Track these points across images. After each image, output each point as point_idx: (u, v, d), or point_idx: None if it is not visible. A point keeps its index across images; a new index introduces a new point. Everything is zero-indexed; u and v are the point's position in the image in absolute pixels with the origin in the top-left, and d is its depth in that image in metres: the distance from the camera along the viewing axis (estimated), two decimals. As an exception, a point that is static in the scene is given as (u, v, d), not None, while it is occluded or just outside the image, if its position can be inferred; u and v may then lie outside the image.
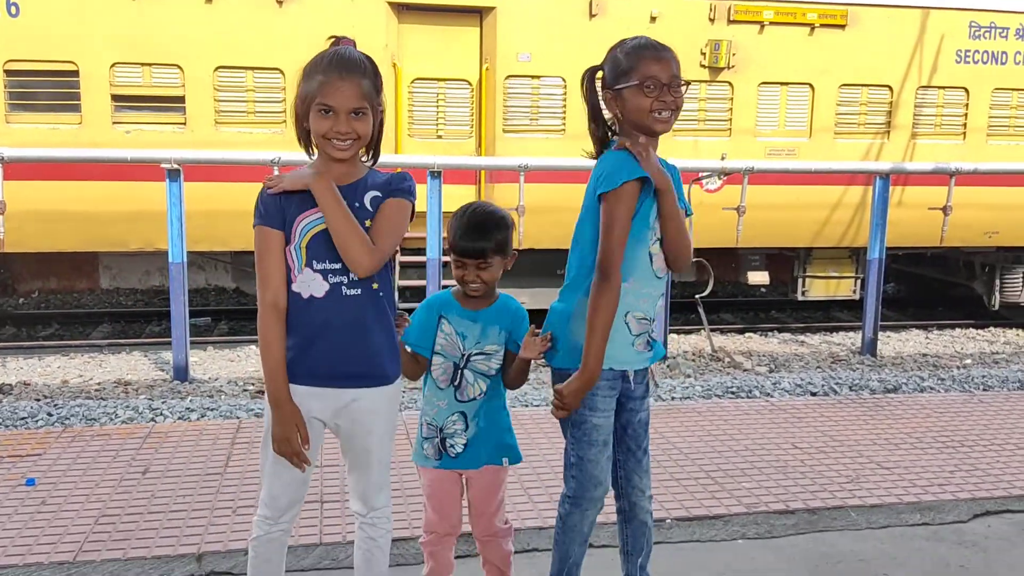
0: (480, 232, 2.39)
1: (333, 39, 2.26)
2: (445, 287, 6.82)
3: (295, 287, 2.20)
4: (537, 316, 2.43)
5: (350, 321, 2.22)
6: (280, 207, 2.18)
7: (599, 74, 2.46)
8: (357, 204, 2.20)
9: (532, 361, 2.45)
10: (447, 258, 2.55)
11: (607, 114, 2.46)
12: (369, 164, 2.31)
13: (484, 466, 2.52)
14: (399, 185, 2.26)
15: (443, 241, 2.50)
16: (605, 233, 2.29)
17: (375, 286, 2.24)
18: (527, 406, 5.15)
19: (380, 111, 2.24)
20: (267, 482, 2.32)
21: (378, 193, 2.23)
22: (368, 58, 2.22)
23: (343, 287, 2.20)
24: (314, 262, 2.18)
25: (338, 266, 2.18)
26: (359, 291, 2.21)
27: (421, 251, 6.86)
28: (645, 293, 2.41)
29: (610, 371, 2.40)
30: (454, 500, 2.57)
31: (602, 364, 2.32)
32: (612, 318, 2.30)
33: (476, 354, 2.46)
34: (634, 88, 2.33)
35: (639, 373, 2.49)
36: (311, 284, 2.19)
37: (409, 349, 2.50)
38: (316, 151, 2.25)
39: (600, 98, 2.46)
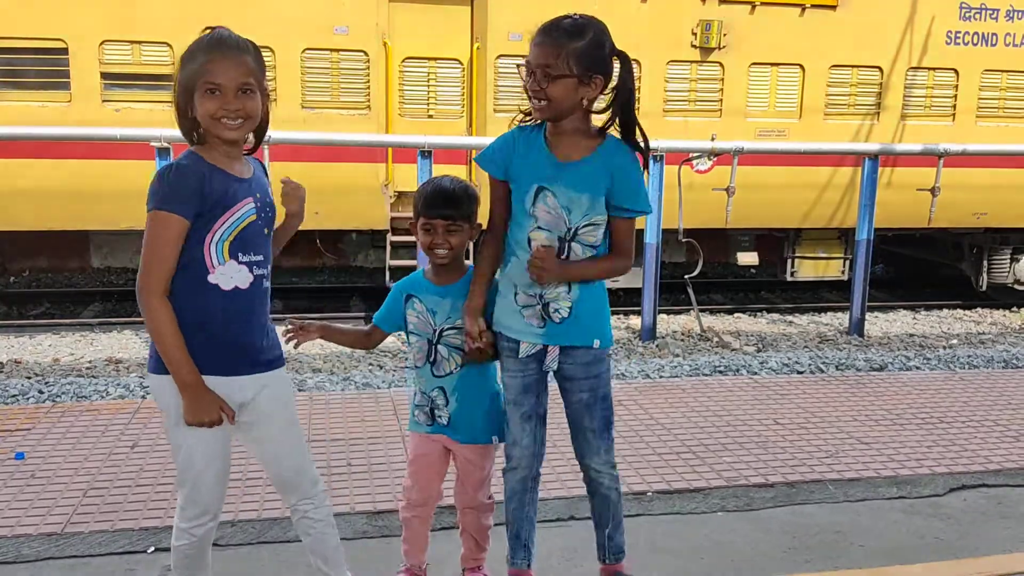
0: (450, 197, 2.44)
1: (208, 29, 2.22)
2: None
3: (212, 278, 2.14)
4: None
5: (265, 311, 2.28)
6: (194, 195, 2.08)
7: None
8: (268, 199, 2.26)
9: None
10: (411, 238, 2.61)
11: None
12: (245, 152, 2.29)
13: (471, 446, 2.56)
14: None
15: (414, 212, 2.53)
16: None
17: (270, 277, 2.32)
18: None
19: (265, 94, 2.21)
20: (191, 485, 2.26)
21: (269, 186, 2.31)
22: (246, 39, 2.19)
23: (264, 279, 2.25)
24: (239, 255, 2.18)
25: (260, 258, 2.22)
26: (268, 283, 2.28)
27: (411, 231, 6.88)
28: (527, 273, 2.40)
29: (501, 334, 2.50)
30: (434, 471, 2.61)
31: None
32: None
33: (448, 328, 2.50)
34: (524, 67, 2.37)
35: (538, 349, 2.47)
36: (235, 276, 2.17)
37: (371, 324, 2.61)
38: (201, 139, 2.18)
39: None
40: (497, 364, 2.59)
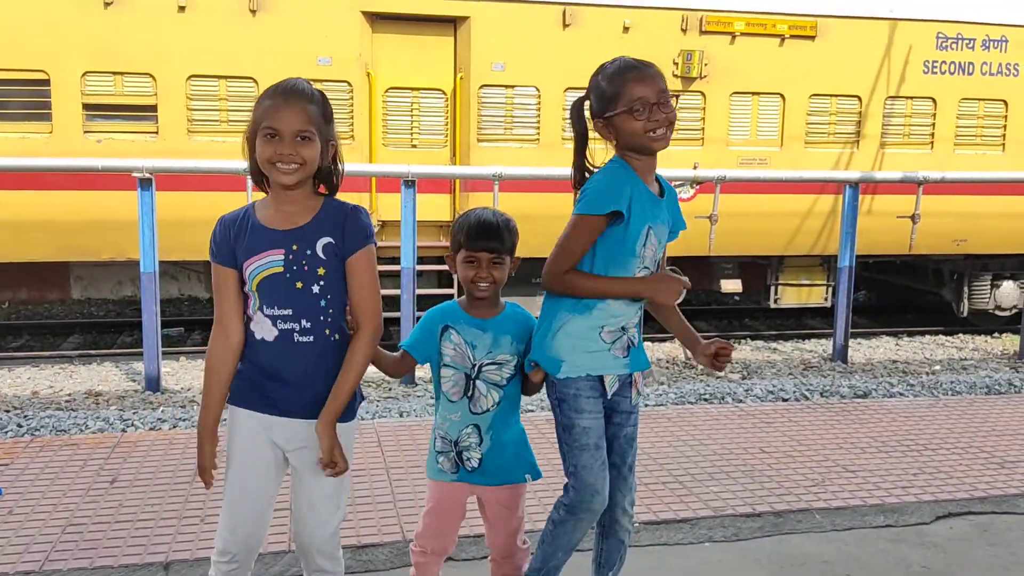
0: (493, 229, 2.39)
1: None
2: (420, 296, 6.84)
3: (252, 326, 2.22)
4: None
5: (301, 368, 2.20)
6: (230, 245, 2.21)
7: (586, 104, 2.45)
8: (309, 252, 2.18)
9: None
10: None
11: (600, 143, 2.45)
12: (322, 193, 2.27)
13: (505, 487, 2.46)
14: (359, 234, 2.21)
15: (453, 245, 2.48)
16: (556, 246, 2.36)
17: (327, 332, 2.21)
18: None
19: (332, 144, 2.22)
20: (227, 516, 2.27)
21: (331, 240, 2.19)
22: (317, 89, 2.21)
23: (295, 334, 2.19)
24: (264, 307, 2.18)
25: (288, 312, 2.17)
26: (312, 338, 2.20)
27: (395, 260, 6.87)
28: (622, 313, 2.40)
29: (587, 377, 2.40)
30: (455, 520, 2.52)
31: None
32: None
33: (488, 364, 2.41)
34: (624, 114, 2.33)
35: (621, 380, 2.46)
36: (261, 327, 2.20)
37: (401, 351, 2.49)
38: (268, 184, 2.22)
39: (591, 128, 2.45)
40: (522, 400, 2.53)
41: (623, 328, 2.42)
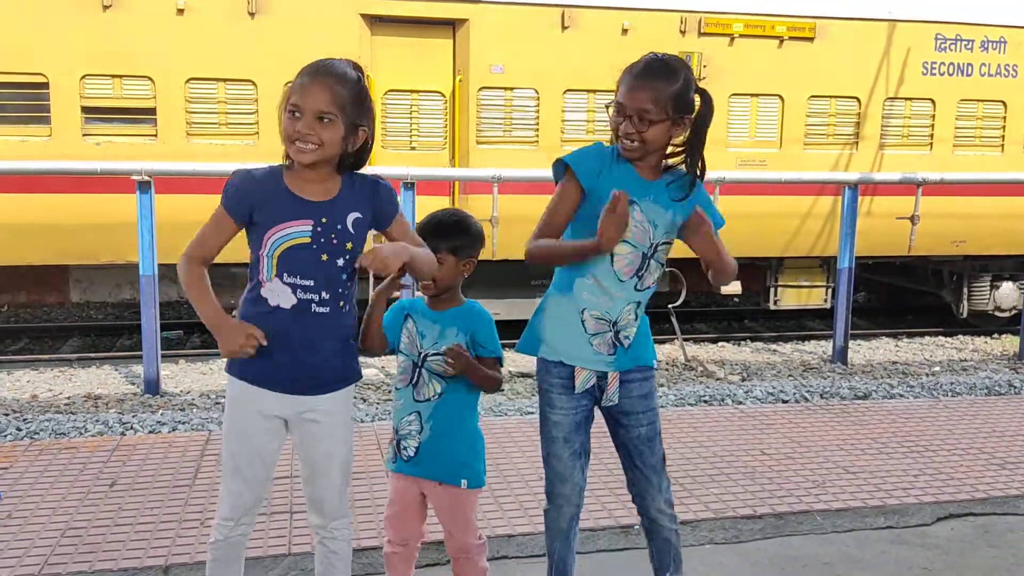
0: (438, 231, 2.43)
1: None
2: (418, 297, 6.82)
3: (263, 291, 2.21)
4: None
5: (313, 337, 2.23)
6: (249, 202, 2.18)
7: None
8: (339, 226, 2.20)
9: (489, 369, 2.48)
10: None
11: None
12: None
13: (440, 484, 2.48)
14: (390, 204, 2.30)
15: None
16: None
17: (342, 304, 2.25)
18: (500, 415, 5.16)
19: (363, 130, 2.23)
20: (227, 481, 2.32)
21: (359, 215, 2.23)
22: (356, 68, 2.22)
23: (313, 304, 2.20)
24: (285, 275, 2.18)
25: (309, 283, 2.19)
26: (328, 309, 2.22)
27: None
28: (603, 292, 2.41)
29: (560, 365, 2.44)
30: (410, 511, 2.54)
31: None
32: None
33: (433, 354, 2.46)
34: (613, 107, 2.38)
35: (601, 378, 2.46)
36: (280, 295, 2.19)
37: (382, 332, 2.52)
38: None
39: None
40: (479, 402, 2.55)
41: (612, 323, 2.42)
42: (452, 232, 2.44)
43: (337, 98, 2.14)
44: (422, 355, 2.47)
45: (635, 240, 2.40)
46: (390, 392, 6.55)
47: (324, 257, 2.19)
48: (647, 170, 2.43)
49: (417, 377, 2.47)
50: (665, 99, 2.31)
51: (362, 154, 2.28)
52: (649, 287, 2.47)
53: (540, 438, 2.53)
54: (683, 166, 2.46)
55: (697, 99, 2.40)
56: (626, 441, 2.51)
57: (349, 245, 2.22)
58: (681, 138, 2.43)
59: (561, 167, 2.42)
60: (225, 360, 2.29)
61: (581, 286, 2.42)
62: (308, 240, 2.17)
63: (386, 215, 2.29)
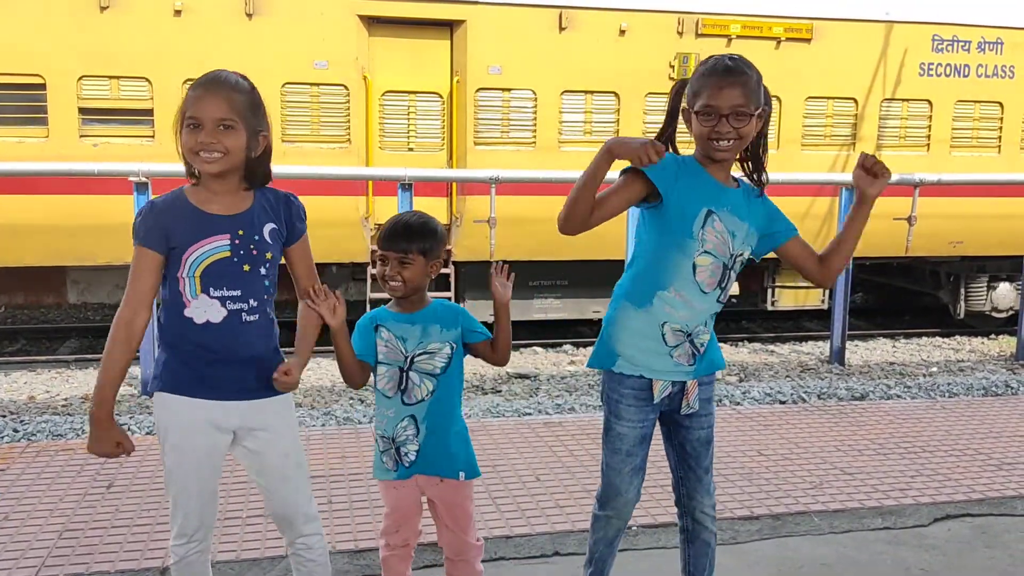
0: (407, 231, 2.43)
1: None
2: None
3: (187, 312, 2.20)
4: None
5: (246, 345, 2.25)
6: (163, 232, 2.17)
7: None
8: (257, 237, 2.23)
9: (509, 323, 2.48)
10: (375, 270, 2.57)
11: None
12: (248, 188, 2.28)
13: (443, 479, 2.48)
14: (300, 219, 2.33)
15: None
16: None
17: (268, 311, 2.29)
18: (497, 417, 5.17)
19: (263, 135, 2.24)
20: (176, 503, 2.30)
21: (275, 226, 2.27)
22: (244, 78, 2.23)
23: (243, 313, 2.23)
24: (211, 289, 2.20)
25: (237, 293, 2.21)
26: (257, 317, 2.25)
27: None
28: (686, 305, 2.37)
29: (639, 378, 2.40)
30: (412, 512, 2.54)
31: None
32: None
33: (419, 354, 2.45)
34: (696, 115, 2.33)
35: (676, 386, 2.43)
36: (207, 310, 2.20)
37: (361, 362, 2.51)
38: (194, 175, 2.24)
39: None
40: (462, 392, 2.55)
41: (688, 334, 2.39)
42: (421, 234, 2.43)
43: (235, 105, 2.16)
44: (408, 358, 2.46)
45: (715, 251, 2.36)
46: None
47: (247, 268, 2.22)
48: (723, 176, 2.40)
49: (406, 382, 2.46)
50: (753, 92, 2.29)
51: (266, 162, 2.29)
52: (726, 297, 2.45)
53: (603, 447, 2.49)
54: (743, 176, 2.43)
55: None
56: (685, 443, 2.50)
57: (269, 255, 2.25)
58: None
59: (637, 173, 2.31)
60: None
61: (662, 299, 2.37)
62: (228, 254, 2.20)
63: (295, 231, 2.33)
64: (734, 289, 10.03)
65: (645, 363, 2.40)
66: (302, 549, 2.38)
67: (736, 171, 2.47)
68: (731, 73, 2.29)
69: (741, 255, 2.41)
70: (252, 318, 2.25)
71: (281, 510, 2.36)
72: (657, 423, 2.51)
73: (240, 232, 2.22)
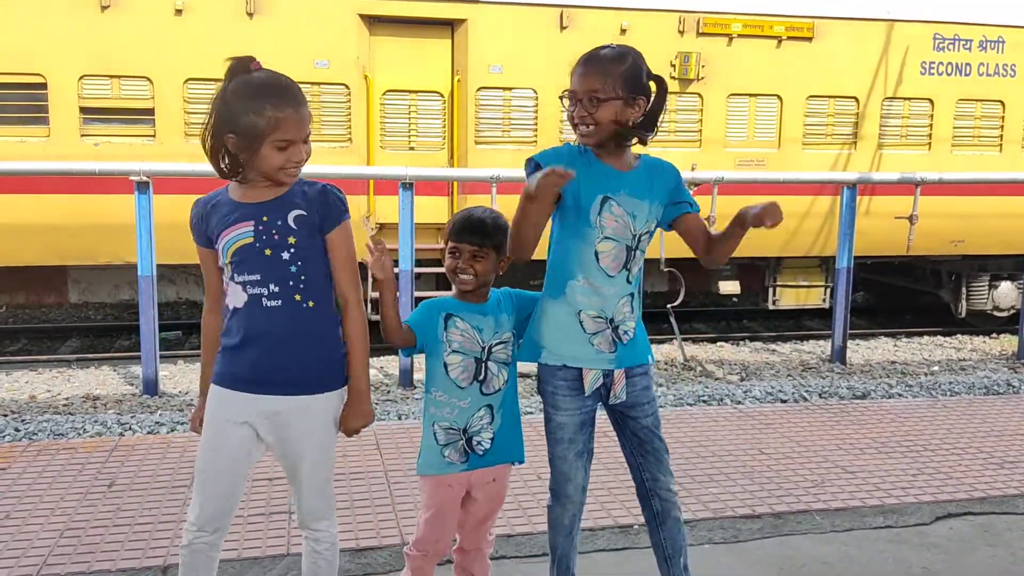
0: (481, 226, 2.44)
1: (236, 60, 2.23)
2: (418, 299, 6.82)
3: (227, 300, 2.29)
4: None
5: (271, 332, 2.23)
6: (204, 226, 2.29)
7: None
8: (280, 222, 2.22)
9: None
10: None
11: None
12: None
13: (511, 465, 2.54)
14: (336, 207, 2.28)
15: (443, 240, 2.53)
16: None
17: (298, 298, 2.24)
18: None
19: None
20: (196, 489, 2.33)
21: (303, 212, 2.23)
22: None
23: (263, 298, 2.23)
24: (235, 275, 2.23)
25: (256, 277, 2.22)
26: (280, 302, 2.23)
27: (394, 263, 6.85)
28: (595, 292, 2.43)
29: (563, 368, 2.46)
30: (454, 515, 2.52)
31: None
32: None
33: (496, 344, 2.47)
34: (567, 97, 2.42)
35: (608, 377, 2.47)
36: (234, 296, 2.25)
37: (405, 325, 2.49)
38: (238, 175, 2.25)
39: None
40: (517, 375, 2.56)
41: (609, 320, 2.45)
42: (495, 229, 2.45)
43: (310, 117, 2.25)
44: (486, 348, 2.46)
45: (616, 235, 2.42)
46: (388, 392, 6.56)
47: (268, 252, 2.21)
48: (617, 162, 2.46)
49: (484, 372, 2.46)
50: (613, 79, 2.36)
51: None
52: (636, 277, 2.50)
53: (546, 439, 2.54)
54: (639, 146, 2.50)
55: (653, 87, 2.46)
56: (636, 431, 2.55)
57: (292, 239, 2.22)
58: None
59: (532, 166, 2.41)
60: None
61: (573, 288, 2.44)
62: (251, 240, 2.22)
63: (331, 219, 2.27)
64: (735, 288, 10.04)
65: (568, 353, 2.46)
66: (311, 540, 2.41)
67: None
68: (590, 61, 2.40)
69: (646, 232, 2.47)
70: (274, 303, 2.22)
71: (302, 503, 2.38)
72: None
73: (264, 218, 2.22)
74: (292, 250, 2.22)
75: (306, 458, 2.32)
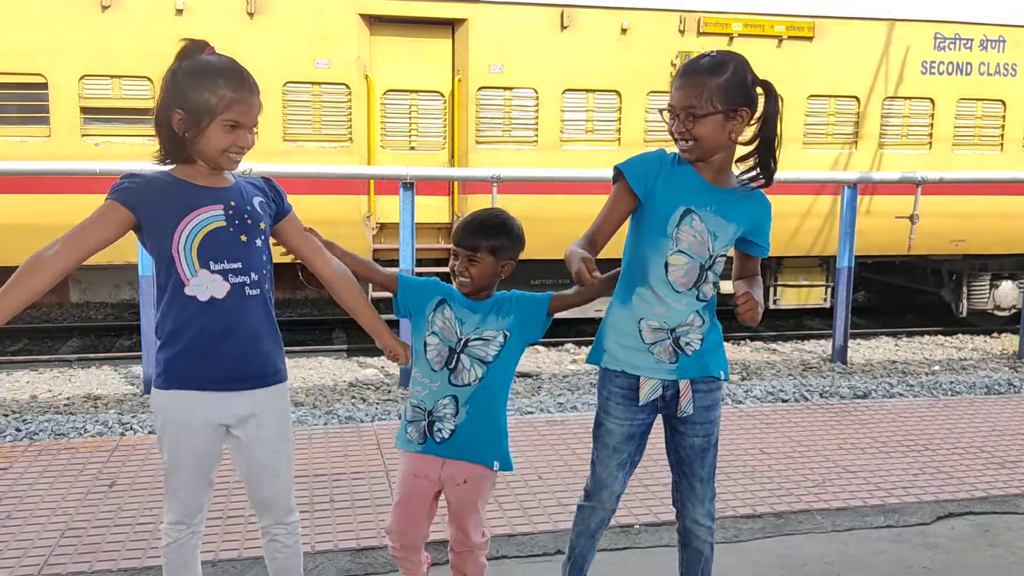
0: (480, 229, 2.42)
1: (190, 41, 2.21)
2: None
3: (188, 291, 2.14)
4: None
5: (253, 322, 2.21)
6: (147, 199, 2.12)
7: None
8: (248, 207, 2.22)
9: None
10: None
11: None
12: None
13: (473, 464, 2.43)
14: (283, 198, 2.37)
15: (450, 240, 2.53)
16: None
17: (267, 287, 2.26)
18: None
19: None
20: (173, 494, 2.29)
21: (262, 199, 2.28)
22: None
23: (246, 287, 2.19)
24: (211, 263, 2.14)
25: (238, 265, 2.17)
26: (258, 292, 2.22)
27: (394, 262, 6.86)
28: (661, 302, 2.34)
29: (625, 375, 2.39)
30: (423, 513, 2.49)
31: None
32: None
33: (474, 339, 2.43)
34: (667, 111, 2.33)
35: (671, 388, 2.39)
36: (210, 286, 2.14)
37: (395, 276, 2.52)
38: (182, 157, 2.19)
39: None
40: (510, 389, 2.53)
41: (671, 331, 2.36)
42: (493, 233, 2.41)
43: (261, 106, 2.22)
44: (461, 341, 2.43)
45: (691, 251, 2.31)
46: (389, 392, 6.57)
47: (244, 238, 2.19)
48: (713, 174, 2.34)
49: (456, 362, 2.42)
50: (711, 91, 2.23)
51: None
52: (711, 296, 2.40)
53: (593, 439, 2.51)
54: (754, 175, 2.37)
55: (761, 94, 2.33)
56: (678, 448, 2.47)
57: (262, 224, 2.23)
58: (749, 135, 2.34)
59: (615, 172, 2.35)
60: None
61: (640, 296, 2.36)
62: (224, 223, 2.16)
63: (282, 207, 2.34)
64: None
65: (626, 359, 2.40)
66: (281, 535, 2.38)
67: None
68: (687, 72, 2.29)
69: (723, 256, 2.38)
70: (254, 292, 2.21)
71: (266, 498, 2.34)
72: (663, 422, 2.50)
73: (232, 203, 2.19)
74: (262, 238, 2.24)
75: (281, 450, 2.32)
